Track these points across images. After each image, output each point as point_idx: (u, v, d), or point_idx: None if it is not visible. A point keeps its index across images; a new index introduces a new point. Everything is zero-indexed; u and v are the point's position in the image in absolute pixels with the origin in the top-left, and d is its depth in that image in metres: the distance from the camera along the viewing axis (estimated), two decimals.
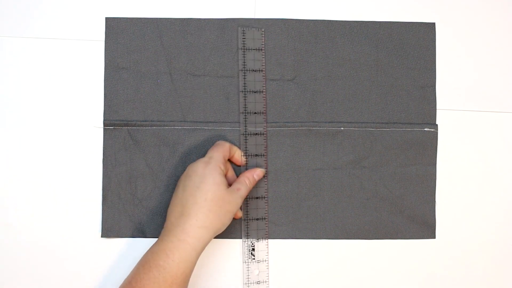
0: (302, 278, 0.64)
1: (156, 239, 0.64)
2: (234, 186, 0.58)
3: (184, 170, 0.63)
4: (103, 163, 0.64)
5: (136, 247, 0.64)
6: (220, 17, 0.65)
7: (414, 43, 0.65)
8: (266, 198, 0.64)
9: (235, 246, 0.64)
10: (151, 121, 0.64)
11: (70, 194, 0.64)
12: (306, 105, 0.65)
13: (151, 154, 0.64)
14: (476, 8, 0.66)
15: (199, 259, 0.64)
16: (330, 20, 0.65)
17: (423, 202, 0.65)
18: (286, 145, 0.65)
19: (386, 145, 0.65)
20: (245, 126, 0.64)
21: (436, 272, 0.65)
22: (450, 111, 0.66)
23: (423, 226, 0.65)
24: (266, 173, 0.64)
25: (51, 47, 0.64)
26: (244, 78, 0.64)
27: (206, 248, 0.64)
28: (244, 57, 0.64)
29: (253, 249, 0.64)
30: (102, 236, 0.64)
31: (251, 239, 0.64)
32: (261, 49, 0.64)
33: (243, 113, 0.64)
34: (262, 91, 0.64)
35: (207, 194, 0.55)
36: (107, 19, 0.64)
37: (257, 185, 0.64)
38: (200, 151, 0.64)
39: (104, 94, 0.64)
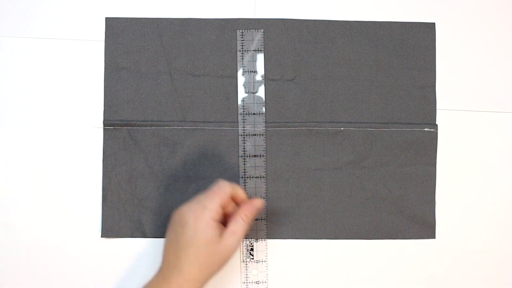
0: (301, 278, 0.64)
1: (156, 239, 0.64)
2: (230, 228, 0.55)
3: (184, 170, 0.64)
4: (103, 163, 0.64)
5: (136, 247, 0.64)
6: (220, 17, 0.65)
7: (414, 43, 0.65)
8: (265, 199, 0.64)
9: None
10: (151, 121, 0.64)
11: (70, 194, 0.64)
12: (306, 105, 0.65)
13: (151, 154, 0.64)
14: (476, 8, 0.66)
15: None
16: (330, 20, 0.65)
17: (423, 202, 0.65)
18: (286, 145, 0.65)
19: (386, 145, 0.65)
20: (244, 127, 0.64)
21: (436, 272, 0.65)
22: (450, 111, 0.65)
23: (423, 226, 0.65)
24: (265, 174, 0.64)
25: (51, 47, 0.64)
26: (243, 79, 0.64)
27: None
28: (242, 58, 0.64)
29: (252, 249, 0.64)
30: (102, 236, 0.64)
31: (250, 239, 0.64)
32: (261, 50, 0.64)
33: (241, 114, 0.64)
34: (259, 93, 0.64)
35: (200, 251, 0.54)
36: (107, 19, 0.64)
37: (256, 185, 0.64)
38: (200, 151, 0.64)
39: (104, 94, 0.64)
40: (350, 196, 0.65)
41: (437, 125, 0.65)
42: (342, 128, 0.65)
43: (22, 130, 0.64)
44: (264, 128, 0.64)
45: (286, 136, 0.65)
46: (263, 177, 0.64)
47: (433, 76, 0.65)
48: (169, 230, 0.57)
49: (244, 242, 0.64)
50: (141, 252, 0.64)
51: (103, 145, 0.64)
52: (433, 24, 0.65)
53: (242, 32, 0.64)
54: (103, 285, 0.64)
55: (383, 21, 0.65)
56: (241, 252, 0.64)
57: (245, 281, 0.64)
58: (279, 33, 0.65)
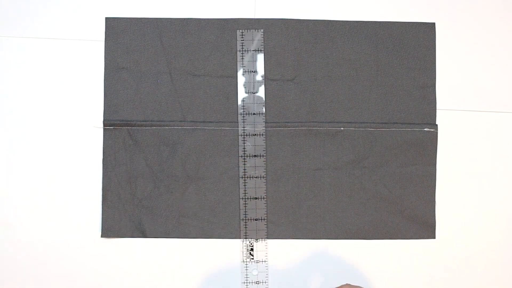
0: (301, 278, 0.64)
1: (156, 239, 0.64)
2: None
3: (184, 170, 0.64)
4: (103, 163, 0.64)
5: (136, 247, 0.64)
6: (220, 17, 0.65)
7: (414, 43, 0.65)
8: (265, 199, 0.64)
9: (234, 246, 0.64)
10: (151, 121, 0.64)
11: (70, 194, 0.64)
12: (306, 105, 0.65)
13: (151, 154, 0.64)
14: (476, 8, 0.66)
15: (198, 259, 0.64)
16: (330, 20, 0.65)
17: (423, 202, 0.65)
18: (286, 145, 0.65)
19: (386, 145, 0.65)
20: (244, 127, 0.64)
21: (436, 272, 0.65)
22: (450, 111, 0.65)
23: (423, 226, 0.65)
24: (265, 174, 0.64)
25: (51, 47, 0.64)
26: (244, 79, 0.64)
27: (205, 248, 0.64)
28: (242, 58, 0.64)
29: (252, 249, 0.64)
30: (102, 236, 0.64)
31: (250, 239, 0.64)
32: (261, 50, 0.64)
33: (241, 114, 0.64)
34: (259, 93, 0.64)
35: None
36: (107, 19, 0.64)
37: (256, 185, 0.64)
38: (200, 151, 0.64)
39: (104, 94, 0.64)
40: (350, 196, 0.65)
41: (437, 125, 0.65)
42: (342, 128, 0.65)
43: (22, 130, 0.64)
44: (264, 128, 0.64)
45: (286, 136, 0.65)
46: (263, 177, 0.64)
47: (433, 76, 0.65)
48: None
49: (244, 242, 0.64)
50: (141, 252, 0.64)
51: (103, 145, 0.64)
52: (433, 24, 0.65)
53: (242, 32, 0.64)
54: (103, 285, 0.64)
55: (383, 21, 0.65)
56: (241, 252, 0.64)
57: (245, 281, 0.64)
58: (279, 33, 0.65)
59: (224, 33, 0.65)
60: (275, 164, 0.64)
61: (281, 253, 0.64)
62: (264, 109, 0.64)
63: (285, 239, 0.64)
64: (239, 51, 0.64)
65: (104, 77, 0.64)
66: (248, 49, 0.64)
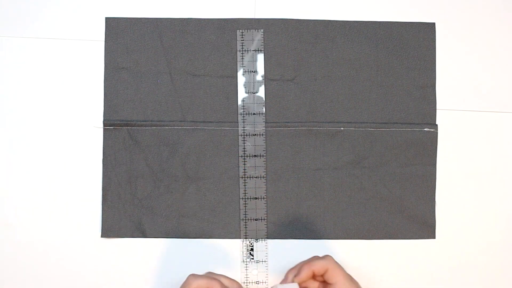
0: None
1: (156, 239, 0.64)
2: None
3: (184, 170, 0.64)
4: (103, 163, 0.64)
5: (136, 247, 0.64)
6: (220, 17, 0.65)
7: (414, 43, 0.65)
8: (265, 199, 0.64)
9: (234, 246, 0.64)
10: (151, 121, 0.64)
11: (70, 194, 0.64)
12: (306, 105, 0.65)
13: (151, 154, 0.64)
14: (476, 8, 0.66)
15: (198, 259, 0.64)
16: (330, 20, 0.65)
17: (423, 202, 0.65)
18: (286, 145, 0.65)
19: (386, 145, 0.65)
20: (244, 127, 0.64)
21: (436, 272, 0.65)
22: (450, 111, 0.65)
23: (423, 226, 0.65)
24: (265, 174, 0.64)
25: (51, 47, 0.64)
26: (244, 79, 0.64)
27: (205, 248, 0.64)
28: (242, 58, 0.64)
29: (252, 249, 0.64)
30: (102, 236, 0.64)
31: (250, 239, 0.64)
32: (261, 50, 0.65)
33: (241, 114, 0.64)
34: (260, 93, 0.64)
35: None
36: (107, 19, 0.64)
37: (256, 185, 0.64)
38: (200, 151, 0.64)
39: (104, 94, 0.64)
40: (350, 196, 0.65)
41: (437, 125, 0.65)
42: (342, 128, 0.65)
43: (22, 130, 0.64)
44: (264, 128, 0.64)
45: (286, 136, 0.65)
46: (263, 177, 0.64)
47: (433, 76, 0.65)
48: None
49: (244, 242, 0.64)
50: (141, 252, 0.64)
51: (103, 145, 0.64)
52: (433, 24, 0.65)
53: (242, 32, 0.64)
54: (103, 285, 0.64)
55: (383, 21, 0.65)
56: (241, 252, 0.64)
57: (245, 281, 0.64)
58: (279, 33, 0.65)
59: (224, 33, 0.65)
60: (275, 164, 0.64)
61: (281, 253, 0.64)
62: (264, 109, 0.64)
63: (285, 239, 0.64)
64: (239, 51, 0.64)
65: (104, 77, 0.64)
66: (248, 49, 0.64)
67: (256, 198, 0.64)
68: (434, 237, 0.65)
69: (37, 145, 0.64)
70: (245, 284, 0.64)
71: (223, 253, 0.64)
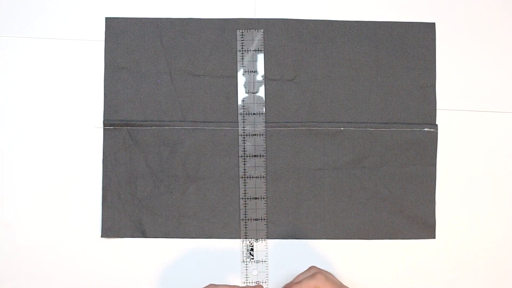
0: None
1: (156, 239, 0.64)
2: None
3: (184, 170, 0.64)
4: (103, 163, 0.64)
5: (136, 247, 0.64)
6: (220, 17, 0.65)
7: (414, 43, 0.65)
8: (265, 199, 0.64)
9: (234, 246, 0.64)
10: (151, 121, 0.64)
11: (70, 194, 0.64)
12: (306, 105, 0.65)
13: (151, 154, 0.64)
14: (476, 8, 0.66)
15: (198, 259, 0.64)
16: (330, 20, 0.65)
17: (423, 202, 0.65)
18: (286, 145, 0.65)
19: (386, 145, 0.65)
20: (244, 127, 0.64)
21: (436, 272, 0.65)
22: (450, 111, 0.65)
23: (423, 226, 0.65)
24: (265, 174, 0.64)
25: (51, 47, 0.64)
26: (244, 79, 0.64)
27: (205, 248, 0.64)
28: (242, 58, 0.64)
29: (252, 249, 0.64)
30: (102, 236, 0.64)
31: (250, 239, 0.64)
32: (261, 50, 0.65)
33: (241, 114, 0.64)
34: (260, 93, 0.64)
35: None
36: (107, 19, 0.64)
37: (256, 185, 0.64)
38: (200, 151, 0.64)
39: (104, 94, 0.64)
40: (350, 196, 0.65)
41: (437, 125, 0.65)
42: (342, 128, 0.65)
43: (22, 130, 0.64)
44: (264, 128, 0.64)
45: (286, 136, 0.65)
46: (263, 177, 0.64)
47: (433, 76, 0.65)
48: None
49: (244, 242, 0.64)
50: (141, 252, 0.64)
51: (103, 145, 0.64)
52: (433, 24, 0.65)
53: (242, 32, 0.64)
54: (103, 285, 0.64)
55: (383, 21, 0.65)
56: (241, 252, 0.64)
57: (245, 281, 0.64)
58: (279, 33, 0.65)
59: (224, 33, 0.65)
60: (275, 164, 0.64)
61: (281, 253, 0.64)
62: (264, 109, 0.64)
63: (285, 239, 0.64)
64: (239, 51, 0.64)
65: (104, 77, 0.64)
66: (248, 49, 0.64)
67: (256, 198, 0.64)
68: (434, 237, 0.65)
69: (37, 145, 0.64)
70: (245, 284, 0.64)
71: (223, 253, 0.64)
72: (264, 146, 0.64)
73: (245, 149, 0.64)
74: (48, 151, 0.64)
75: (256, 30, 0.64)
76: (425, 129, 0.65)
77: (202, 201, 0.64)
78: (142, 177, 0.64)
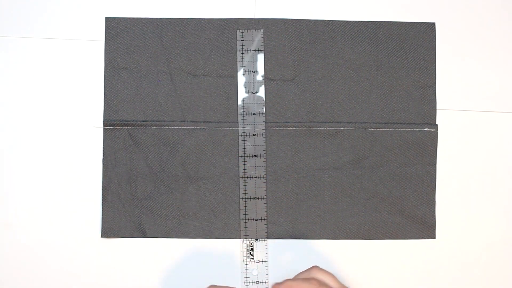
0: None
1: (156, 239, 0.64)
2: None
3: (184, 170, 0.64)
4: (103, 163, 0.64)
5: (136, 247, 0.64)
6: (220, 17, 0.65)
7: (414, 43, 0.65)
8: (265, 199, 0.64)
9: (234, 246, 0.64)
10: (151, 121, 0.64)
11: (70, 194, 0.64)
12: (306, 105, 0.65)
13: (151, 154, 0.64)
14: (476, 8, 0.66)
15: (198, 259, 0.64)
16: (330, 20, 0.65)
17: (423, 202, 0.65)
18: (286, 145, 0.65)
19: (386, 145, 0.65)
20: (244, 127, 0.64)
21: (436, 272, 0.65)
22: (450, 111, 0.65)
23: (423, 226, 0.65)
24: (265, 174, 0.64)
25: (51, 47, 0.64)
26: (244, 79, 0.64)
27: (205, 248, 0.64)
28: (242, 58, 0.64)
29: (252, 249, 0.64)
30: (102, 236, 0.64)
31: (250, 239, 0.64)
32: (261, 50, 0.65)
33: (241, 114, 0.64)
34: (260, 93, 0.64)
35: None
36: (107, 19, 0.64)
37: (256, 185, 0.64)
38: (200, 151, 0.64)
39: (104, 94, 0.64)
40: (350, 196, 0.65)
41: (437, 125, 0.65)
42: (342, 128, 0.65)
43: (22, 130, 0.64)
44: (264, 128, 0.64)
45: (286, 136, 0.65)
46: (263, 177, 0.64)
47: (433, 76, 0.65)
48: None
49: (244, 242, 0.64)
50: (141, 252, 0.64)
51: (103, 145, 0.64)
52: (433, 24, 0.65)
53: (242, 32, 0.64)
54: (103, 285, 0.64)
55: (383, 21, 0.65)
56: (241, 252, 0.64)
57: (245, 281, 0.64)
58: (279, 33, 0.65)
59: (224, 33, 0.65)
60: (275, 164, 0.64)
61: (281, 253, 0.64)
62: (264, 109, 0.64)
63: (285, 239, 0.64)
64: (239, 51, 0.64)
65: (104, 77, 0.64)
66: (248, 49, 0.64)
67: (256, 198, 0.64)
68: (434, 237, 0.65)
69: (37, 145, 0.64)
70: (245, 284, 0.64)
71: (223, 253, 0.64)
72: (264, 146, 0.64)
73: (245, 149, 0.64)
74: (48, 151, 0.64)
75: (256, 30, 0.65)
76: (425, 129, 0.65)
77: (202, 201, 0.64)
78: (142, 177, 0.64)
